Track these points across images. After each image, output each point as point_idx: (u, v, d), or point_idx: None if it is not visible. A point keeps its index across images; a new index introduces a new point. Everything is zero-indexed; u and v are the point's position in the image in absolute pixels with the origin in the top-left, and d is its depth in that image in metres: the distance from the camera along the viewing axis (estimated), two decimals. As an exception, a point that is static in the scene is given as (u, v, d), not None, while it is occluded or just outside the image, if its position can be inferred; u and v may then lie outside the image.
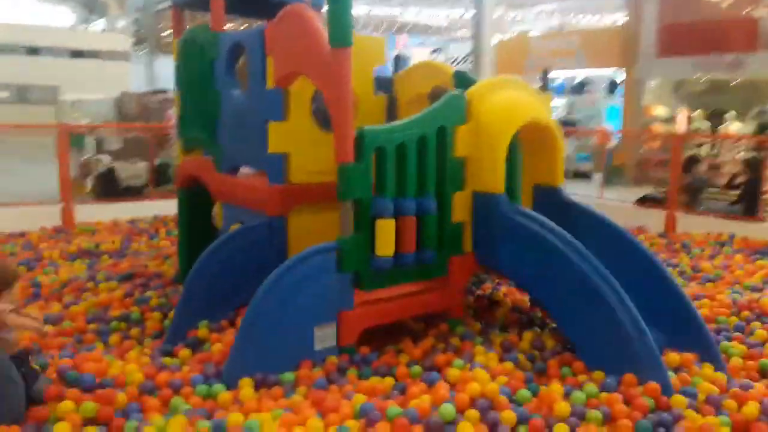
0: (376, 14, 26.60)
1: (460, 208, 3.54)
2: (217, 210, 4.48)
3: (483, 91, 3.56)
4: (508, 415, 2.46)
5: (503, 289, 4.40)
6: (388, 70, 4.65)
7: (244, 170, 4.26)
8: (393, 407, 2.48)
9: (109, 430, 2.44)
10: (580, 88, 17.12)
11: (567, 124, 16.19)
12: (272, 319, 2.94)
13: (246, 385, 2.74)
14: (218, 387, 2.73)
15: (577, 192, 8.97)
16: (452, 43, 23.44)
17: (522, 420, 2.48)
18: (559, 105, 17.92)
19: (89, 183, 10.22)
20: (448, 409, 2.44)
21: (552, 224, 3.24)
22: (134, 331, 3.66)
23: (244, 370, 2.84)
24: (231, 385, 2.77)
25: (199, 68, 4.29)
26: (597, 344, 2.98)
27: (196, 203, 4.65)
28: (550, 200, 3.79)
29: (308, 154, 3.66)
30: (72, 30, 34.12)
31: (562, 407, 2.52)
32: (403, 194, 3.28)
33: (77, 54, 31.19)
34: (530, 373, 2.97)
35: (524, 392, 2.67)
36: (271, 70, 3.57)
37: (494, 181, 3.44)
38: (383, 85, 4.56)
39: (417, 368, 3.00)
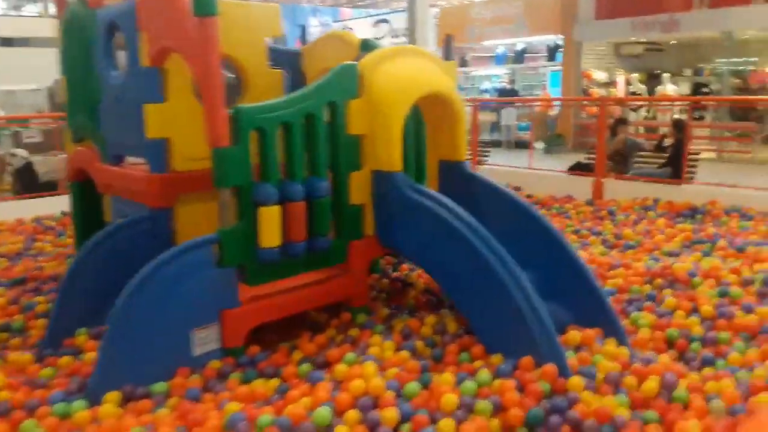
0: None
1: (358, 189, 3.31)
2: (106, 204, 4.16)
3: (376, 62, 3.31)
4: (390, 414, 2.27)
5: (418, 270, 4.22)
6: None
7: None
8: (264, 416, 2.26)
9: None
10: (520, 56, 17.02)
11: (508, 93, 16.13)
12: (142, 322, 2.67)
13: (110, 401, 2.49)
14: (78, 404, 2.46)
15: (515, 163, 8.92)
16: (397, 13, 22.98)
17: (405, 418, 2.30)
18: (500, 74, 17.83)
19: (7, 179, 9.67)
20: (322, 414, 2.23)
21: (446, 200, 3.05)
22: (15, 341, 3.35)
23: (110, 382, 2.57)
24: (95, 400, 2.51)
25: (80, 50, 3.94)
26: (494, 326, 2.82)
27: (89, 197, 4.31)
28: (454, 175, 3.59)
29: (193, 139, 3.36)
30: (1, 17, 32.28)
31: (450, 399, 2.35)
32: (290, 178, 3.04)
33: (7, 42, 29.59)
34: (427, 361, 2.79)
35: (413, 385, 2.49)
36: (144, 47, 3.25)
37: (390, 158, 3.22)
38: (284, 58, 4.27)
39: (305, 366, 2.79)
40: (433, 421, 2.29)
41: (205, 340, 2.84)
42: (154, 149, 3.31)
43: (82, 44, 3.91)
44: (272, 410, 2.35)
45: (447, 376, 2.55)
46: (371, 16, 24.66)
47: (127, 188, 3.56)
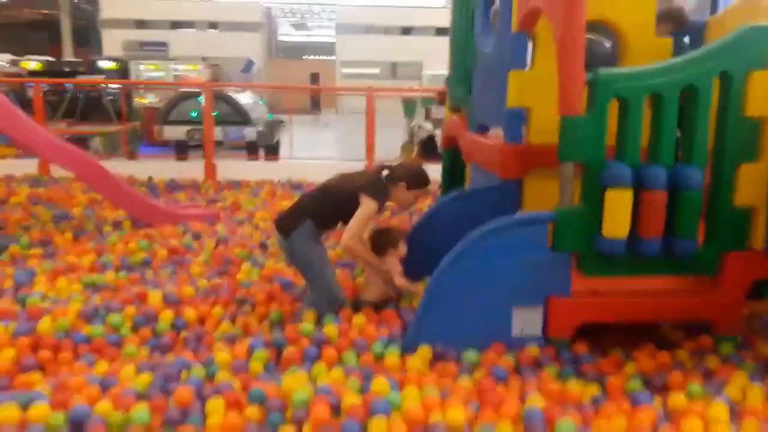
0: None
1: (749, 187, 2.62)
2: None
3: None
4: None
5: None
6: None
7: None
8: (566, 422, 1.95)
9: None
10: None
11: None
12: (465, 284, 2.61)
13: (420, 355, 2.50)
14: (390, 349, 2.55)
15: None
16: None
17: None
18: None
19: (416, 147, 11.09)
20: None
21: None
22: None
23: (426, 336, 2.60)
24: (409, 350, 2.56)
25: (463, 19, 4.10)
26: None
27: (456, 164, 4.51)
28: None
29: (555, 110, 3.14)
30: (440, 9, 36.77)
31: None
32: (652, 161, 2.55)
33: (442, 31, 33.64)
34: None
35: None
36: (516, 11, 3.15)
37: (804, 150, 2.42)
38: (678, 24, 3.65)
39: (635, 383, 2.33)
40: None
41: (526, 321, 2.63)
42: (512, 118, 3.19)
43: (467, 13, 4.04)
44: (579, 418, 2.02)
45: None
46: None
47: (482, 157, 3.55)
